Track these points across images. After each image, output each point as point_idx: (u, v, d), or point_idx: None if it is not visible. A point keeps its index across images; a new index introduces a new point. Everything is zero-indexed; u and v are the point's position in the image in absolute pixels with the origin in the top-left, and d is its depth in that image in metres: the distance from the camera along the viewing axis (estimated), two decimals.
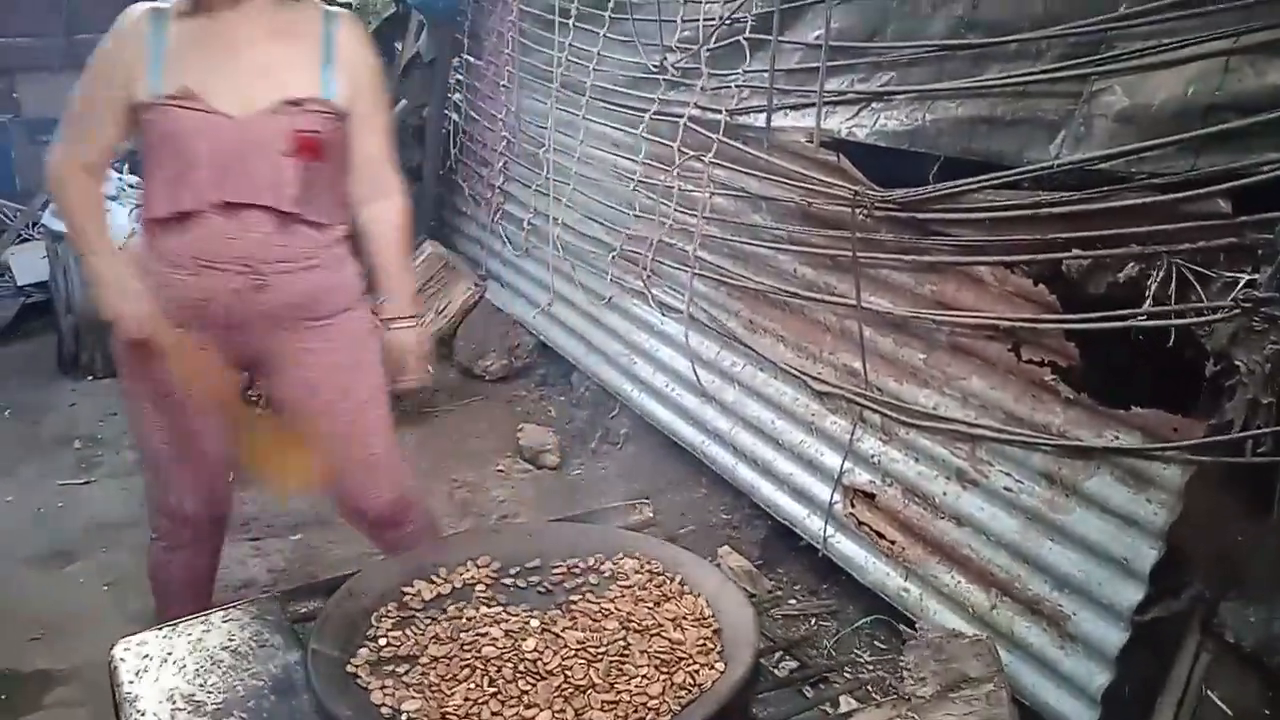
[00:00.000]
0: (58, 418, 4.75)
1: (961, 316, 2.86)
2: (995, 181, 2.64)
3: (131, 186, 5.30)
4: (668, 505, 4.00)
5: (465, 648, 1.96)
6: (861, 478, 3.24)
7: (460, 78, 5.54)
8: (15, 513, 3.95)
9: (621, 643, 1.94)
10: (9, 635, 3.21)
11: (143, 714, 1.81)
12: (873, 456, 3.20)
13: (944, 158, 2.81)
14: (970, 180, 2.69)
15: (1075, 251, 2.53)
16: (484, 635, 1.98)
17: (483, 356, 5.17)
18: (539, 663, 1.88)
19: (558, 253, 4.77)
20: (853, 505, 3.26)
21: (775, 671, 2.61)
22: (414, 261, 5.41)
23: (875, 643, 3.30)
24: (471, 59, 5.41)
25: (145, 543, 3.75)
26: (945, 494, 2.96)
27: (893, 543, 3.12)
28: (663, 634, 1.97)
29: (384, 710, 1.81)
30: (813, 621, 3.42)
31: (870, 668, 3.21)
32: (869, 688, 3.14)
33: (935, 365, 2.99)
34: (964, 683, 2.82)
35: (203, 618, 2.08)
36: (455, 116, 5.59)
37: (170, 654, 1.97)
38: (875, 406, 3.17)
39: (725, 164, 3.60)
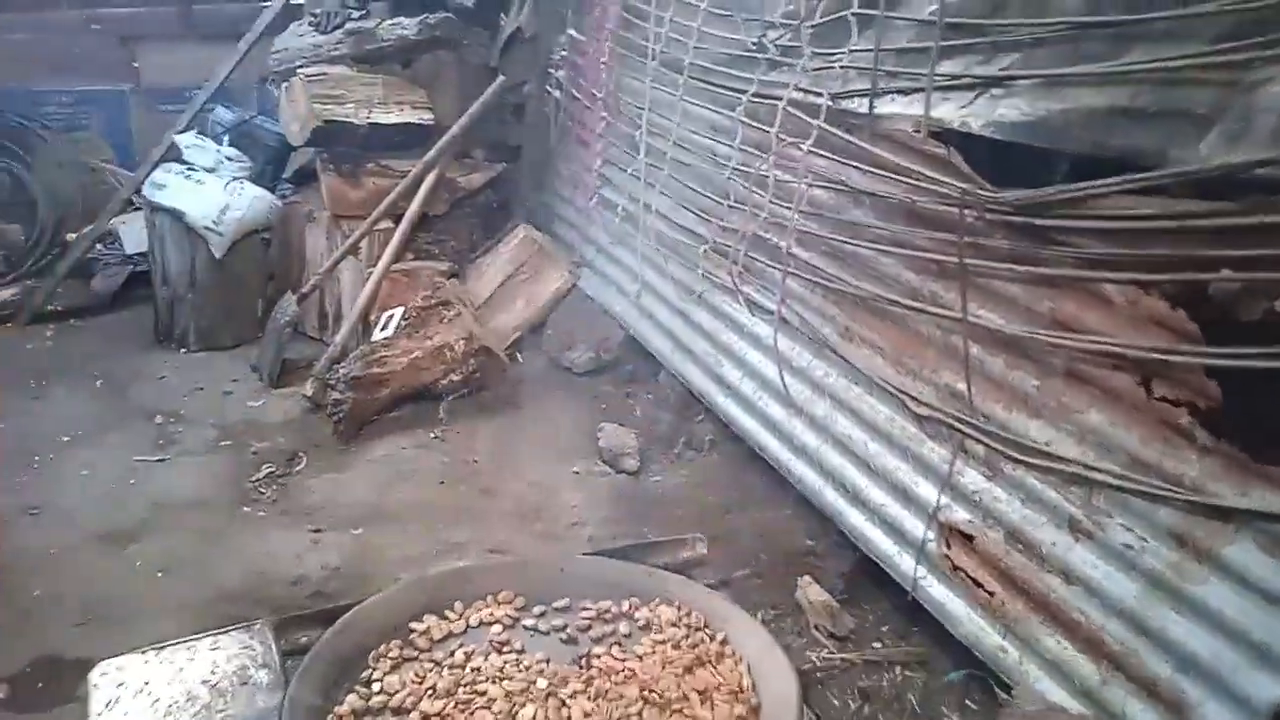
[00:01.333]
0: (146, 389, 4.74)
1: (1083, 340, 2.46)
2: (1132, 185, 2.22)
3: (229, 159, 5.27)
4: (747, 524, 3.69)
5: (460, 706, 1.71)
6: (960, 515, 2.86)
7: (564, 54, 5.29)
8: (89, 486, 3.92)
9: (636, 719, 1.66)
10: (58, 618, 3.15)
11: None
12: (974, 492, 2.82)
13: (1071, 155, 2.40)
14: (1102, 182, 2.28)
15: (1225, 272, 2.11)
16: (482, 694, 1.73)
17: (570, 348, 4.94)
18: None
19: (650, 242, 4.49)
20: (948, 546, 2.89)
21: None
22: (508, 245, 5.24)
23: (967, 701, 2.92)
24: (575, 34, 5.15)
25: (209, 528, 3.71)
26: (1054, 544, 2.57)
27: (991, 594, 2.74)
28: (686, 711, 1.69)
29: None
30: (897, 671, 3.06)
31: None
32: None
33: (1050, 394, 2.59)
34: None
35: (190, 644, 1.90)
36: (557, 95, 5.35)
37: (147, 684, 1.79)
38: (979, 436, 2.79)
39: (825, 153, 3.25)
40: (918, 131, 2.81)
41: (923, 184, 2.79)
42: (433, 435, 4.36)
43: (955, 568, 2.87)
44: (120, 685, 1.78)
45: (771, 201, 3.57)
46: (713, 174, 3.98)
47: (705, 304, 4.13)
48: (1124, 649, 2.37)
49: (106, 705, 1.74)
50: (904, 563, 3.07)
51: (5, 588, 3.26)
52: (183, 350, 5.15)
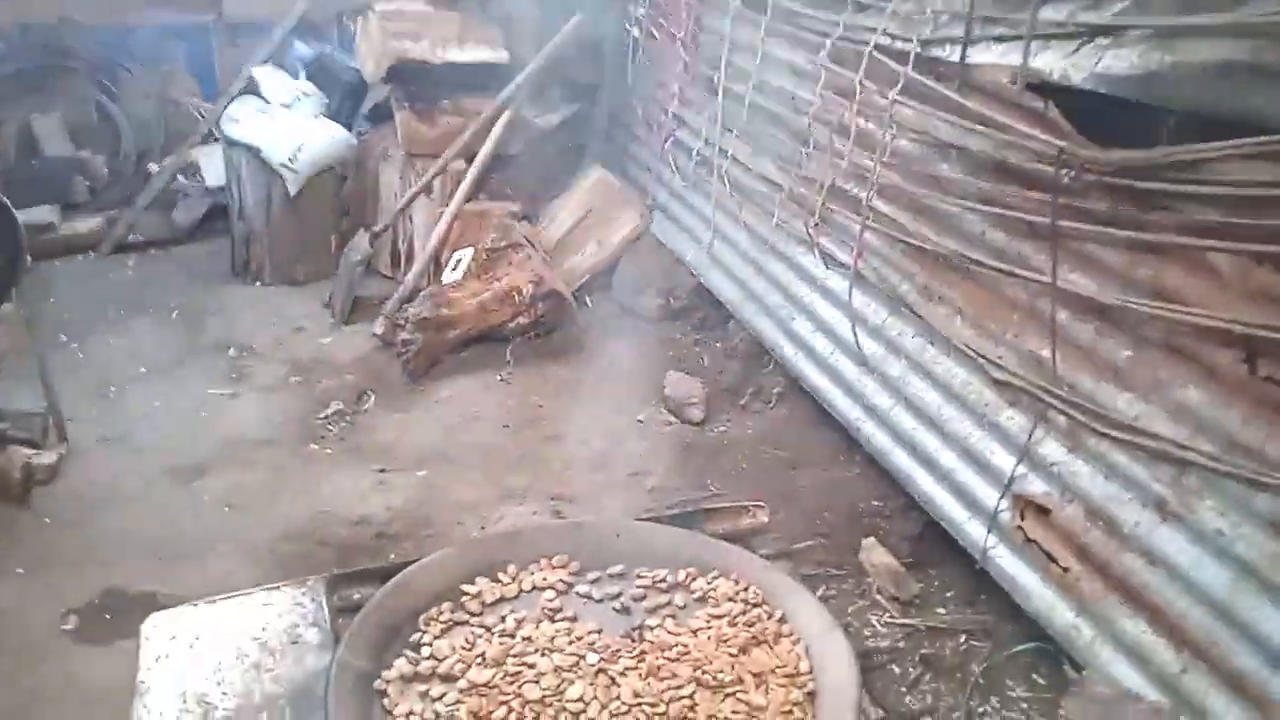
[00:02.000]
0: (220, 322, 4.80)
1: (1185, 312, 2.29)
2: (1252, 149, 2.04)
3: (306, 94, 5.24)
4: (812, 481, 3.62)
5: (509, 678, 1.68)
6: (1036, 487, 2.74)
7: None
8: (161, 419, 3.99)
9: (687, 702, 1.61)
10: (126, 551, 3.22)
11: (148, 710, 1.63)
12: (1053, 464, 2.69)
13: (1179, 114, 2.22)
14: (1218, 145, 2.10)
15: None
16: (531, 667, 1.69)
17: (640, 294, 4.86)
18: (582, 717, 1.58)
19: (725, 188, 4.35)
20: (1023, 518, 2.77)
21: None
22: (580, 187, 5.15)
23: (1034, 675, 2.83)
24: None
25: (277, 464, 3.75)
26: (1138, 524, 2.44)
27: (1065, 569, 2.63)
28: (740, 695, 1.63)
29: None
30: (961, 639, 2.98)
31: (1023, 706, 2.76)
32: None
33: (1143, 366, 2.44)
34: None
35: (242, 596, 1.89)
36: (635, 34, 5.19)
37: (198, 638, 1.79)
38: (1062, 406, 2.65)
39: (912, 103, 3.07)
40: (1014, 83, 2.63)
41: (1016, 139, 2.61)
42: (499, 378, 4.34)
43: (1028, 540, 2.76)
44: (172, 638, 1.78)
45: (852, 151, 3.41)
46: (792, 120, 3.82)
47: (779, 254, 4.01)
48: (1208, 639, 2.24)
49: (156, 659, 1.75)
50: (974, 531, 2.96)
51: (76, 518, 3.34)
52: (258, 284, 5.20)
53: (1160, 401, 2.40)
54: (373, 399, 4.18)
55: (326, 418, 4.02)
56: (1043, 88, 2.56)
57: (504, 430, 3.98)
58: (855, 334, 3.44)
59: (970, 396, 2.99)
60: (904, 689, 2.77)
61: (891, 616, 3.05)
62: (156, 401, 4.08)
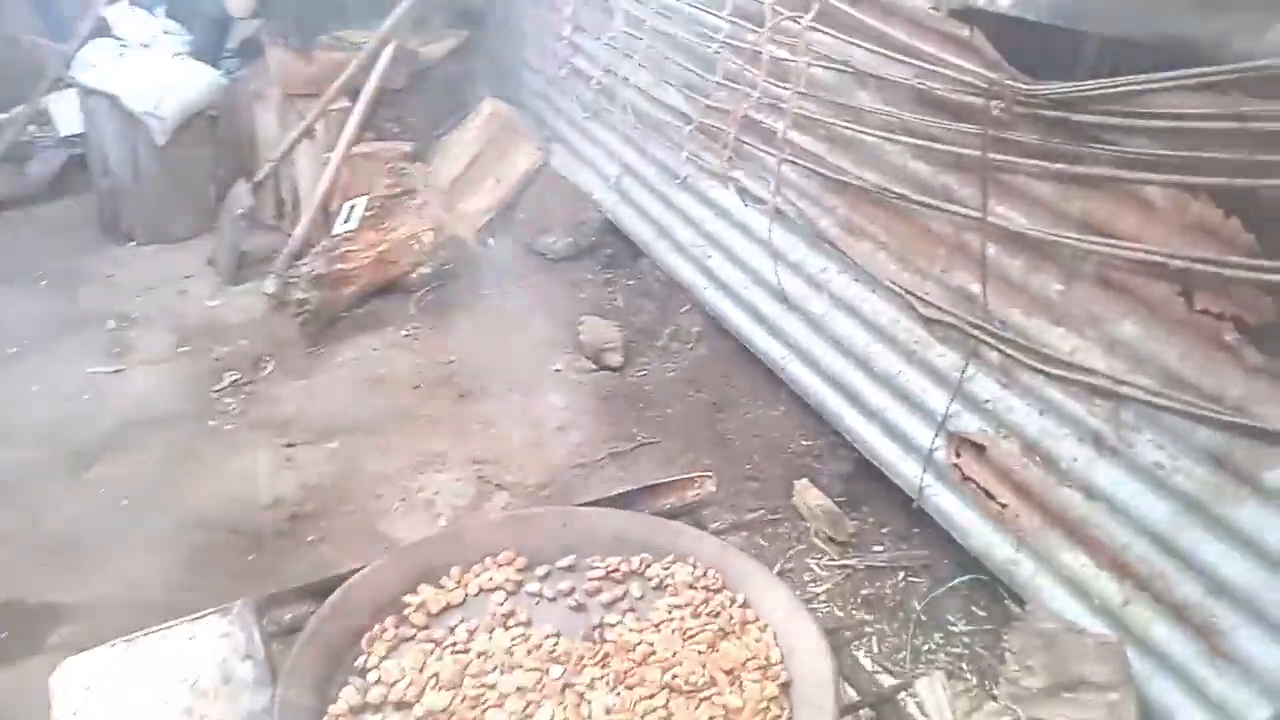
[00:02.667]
0: (94, 290, 4.44)
1: (1120, 246, 2.26)
2: (1189, 80, 1.99)
3: (166, 32, 4.82)
4: (739, 424, 3.56)
5: (469, 702, 1.57)
6: (971, 424, 2.73)
7: None
8: (40, 404, 3.68)
9: (662, 713, 1.53)
10: (19, 554, 2.97)
11: None
12: (986, 401, 2.67)
13: (1114, 44, 2.16)
14: (1154, 76, 2.04)
15: None
16: (493, 688, 1.58)
17: (545, 232, 4.68)
18: None
19: (629, 119, 4.18)
20: (958, 455, 2.77)
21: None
22: (474, 121, 4.89)
23: (974, 609, 2.86)
24: None
25: (174, 446, 3.51)
26: (1076, 459, 2.44)
27: (1004, 506, 2.63)
28: (716, 700, 1.55)
29: None
30: (900, 576, 2.99)
31: (965, 640, 2.79)
32: (962, 663, 2.73)
33: (1076, 301, 2.42)
34: (1082, 685, 2.39)
35: (162, 633, 1.72)
36: None
37: (115, 685, 1.62)
38: (994, 342, 2.62)
39: (828, 30, 2.95)
40: (936, 9, 2.52)
41: (943, 70, 2.52)
42: (404, 334, 4.14)
43: (965, 478, 2.75)
44: (87, 689, 1.61)
45: (765, 81, 3.27)
46: (699, 47, 3.65)
47: (691, 189, 3.87)
48: (1150, 570, 2.27)
49: (72, 715, 1.58)
50: (909, 469, 2.95)
51: None
52: (131, 244, 4.82)
53: (1095, 336, 2.38)
54: (271, 365, 3.94)
55: (223, 390, 3.78)
56: (968, 14, 2.46)
57: (415, 391, 3.80)
58: (776, 271, 3.36)
59: (899, 334, 2.94)
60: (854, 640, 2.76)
61: (830, 559, 3.04)
62: (33, 385, 3.76)
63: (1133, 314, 2.29)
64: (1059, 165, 2.33)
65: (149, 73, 4.59)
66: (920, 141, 2.72)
